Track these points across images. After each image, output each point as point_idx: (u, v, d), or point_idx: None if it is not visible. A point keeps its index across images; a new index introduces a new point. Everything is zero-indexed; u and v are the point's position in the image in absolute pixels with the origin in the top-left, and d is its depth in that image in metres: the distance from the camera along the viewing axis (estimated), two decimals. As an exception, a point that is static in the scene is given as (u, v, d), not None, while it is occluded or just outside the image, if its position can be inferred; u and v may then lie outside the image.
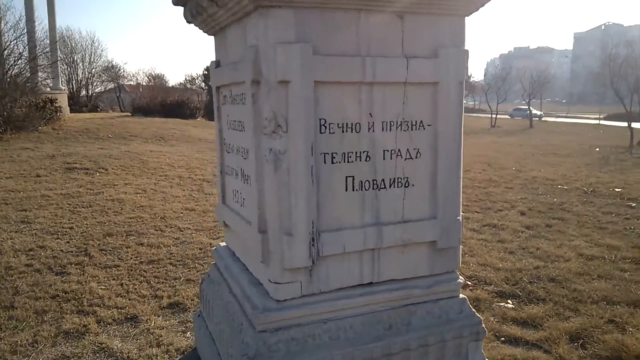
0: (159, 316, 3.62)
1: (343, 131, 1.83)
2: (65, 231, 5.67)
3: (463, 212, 7.18)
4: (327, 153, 1.82)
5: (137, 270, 4.53)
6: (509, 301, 3.70)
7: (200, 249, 5.13)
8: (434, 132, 1.96)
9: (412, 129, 1.93)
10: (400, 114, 1.90)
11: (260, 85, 1.75)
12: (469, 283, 4.00)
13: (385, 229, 1.92)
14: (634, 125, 18.21)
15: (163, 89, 31.88)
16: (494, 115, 33.54)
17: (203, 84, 35.61)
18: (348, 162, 1.86)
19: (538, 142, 19.93)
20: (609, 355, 2.98)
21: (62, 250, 5.03)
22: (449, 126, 1.97)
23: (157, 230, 5.79)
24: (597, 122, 38.80)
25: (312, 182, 1.78)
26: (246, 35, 1.86)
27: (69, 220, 6.13)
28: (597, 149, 16.50)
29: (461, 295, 2.14)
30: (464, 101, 2.03)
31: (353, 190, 1.88)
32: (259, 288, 1.97)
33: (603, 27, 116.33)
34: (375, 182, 1.91)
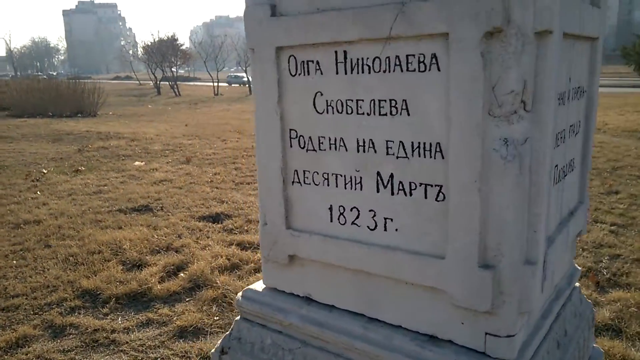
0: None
1: (560, 104, 1.31)
2: None
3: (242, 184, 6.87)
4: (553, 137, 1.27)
5: None
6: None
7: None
8: (589, 98, 1.59)
9: (579, 97, 1.52)
10: (577, 79, 1.47)
11: (504, 39, 1.08)
12: None
13: (569, 227, 1.50)
14: None
15: None
16: (215, 84, 33.57)
17: None
18: (557, 145, 1.34)
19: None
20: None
21: None
22: (597, 90, 1.63)
23: None
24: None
25: (553, 181, 1.22)
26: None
27: None
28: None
29: (577, 284, 1.88)
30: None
31: (555, 183, 1.38)
32: (447, 349, 1.31)
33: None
34: (563, 169, 1.45)
